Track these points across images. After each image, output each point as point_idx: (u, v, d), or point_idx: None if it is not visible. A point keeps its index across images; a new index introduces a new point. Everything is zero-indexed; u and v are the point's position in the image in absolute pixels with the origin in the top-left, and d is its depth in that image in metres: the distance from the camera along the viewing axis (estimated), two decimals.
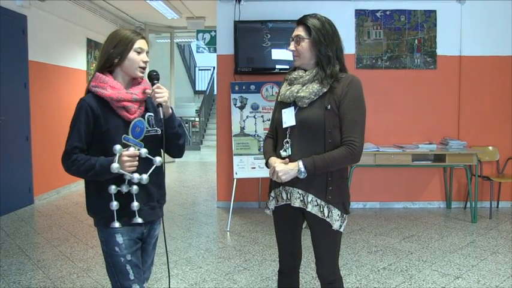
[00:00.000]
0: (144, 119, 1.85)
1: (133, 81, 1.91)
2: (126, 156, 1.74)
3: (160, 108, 1.83)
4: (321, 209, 1.89)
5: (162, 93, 1.84)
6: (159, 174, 1.89)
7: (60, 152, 1.80)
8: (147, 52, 1.88)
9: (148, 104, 1.93)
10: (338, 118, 1.87)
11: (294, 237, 2.07)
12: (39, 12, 5.71)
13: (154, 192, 1.90)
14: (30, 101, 5.53)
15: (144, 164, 1.81)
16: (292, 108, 1.94)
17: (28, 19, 5.46)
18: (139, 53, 1.84)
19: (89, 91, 1.83)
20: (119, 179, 1.78)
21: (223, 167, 5.46)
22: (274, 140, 2.08)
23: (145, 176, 1.79)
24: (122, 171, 1.73)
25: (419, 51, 5.36)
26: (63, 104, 6.14)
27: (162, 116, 1.83)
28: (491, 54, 5.33)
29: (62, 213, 5.19)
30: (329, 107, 1.87)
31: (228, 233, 4.50)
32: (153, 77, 1.89)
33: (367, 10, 5.33)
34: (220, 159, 5.51)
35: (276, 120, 2.02)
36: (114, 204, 1.78)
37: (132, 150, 1.76)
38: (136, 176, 1.77)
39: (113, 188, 1.77)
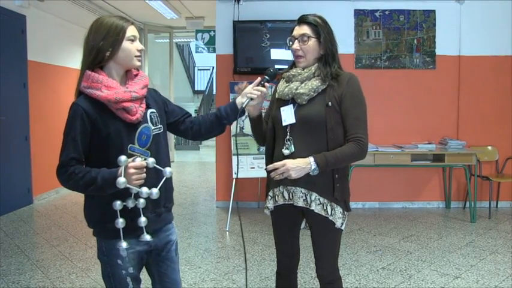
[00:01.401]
0: (147, 117, 1.69)
1: (128, 75, 1.72)
2: (132, 169, 1.52)
3: (247, 101, 1.87)
4: (324, 208, 1.88)
5: (262, 92, 1.88)
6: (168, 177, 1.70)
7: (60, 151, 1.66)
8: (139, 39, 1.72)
9: (149, 99, 1.75)
10: (339, 115, 1.87)
11: (293, 237, 2.06)
12: (39, 12, 5.70)
13: (161, 197, 1.66)
14: (30, 101, 5.53)
15: (151, 175, 1.62)
16: (291, 105, 1.93)
17: (27, 19, 5.45)
18: (132, 41, 1.65)
19: (80, 93, 1.62)
20: (124, 192, 1.57)
21: (223, 167, 5.46)
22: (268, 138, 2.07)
23: (155, 191, 1.59)
24: (128, 186, 1.52)
25: (418, 51, 5.36)
26: (62, 104, 6.12)
27: (241, 106, 1.88)
28: (491, 54, 5.34)
29: (61, 213, 5.18)
30: (330, 104, 1.86)
31: (227, 232, 4.50)
32: (271, 76, 1.94)
33: (366, 10, 5.33)
34: (219, 159, 5.50)
35: (274, 118, 2.01)
36: (120, 222, 1.57)
37: (138, 161, 1.55)
38: (145, 190, 1.57)
39: (118, 204, 1.57)
